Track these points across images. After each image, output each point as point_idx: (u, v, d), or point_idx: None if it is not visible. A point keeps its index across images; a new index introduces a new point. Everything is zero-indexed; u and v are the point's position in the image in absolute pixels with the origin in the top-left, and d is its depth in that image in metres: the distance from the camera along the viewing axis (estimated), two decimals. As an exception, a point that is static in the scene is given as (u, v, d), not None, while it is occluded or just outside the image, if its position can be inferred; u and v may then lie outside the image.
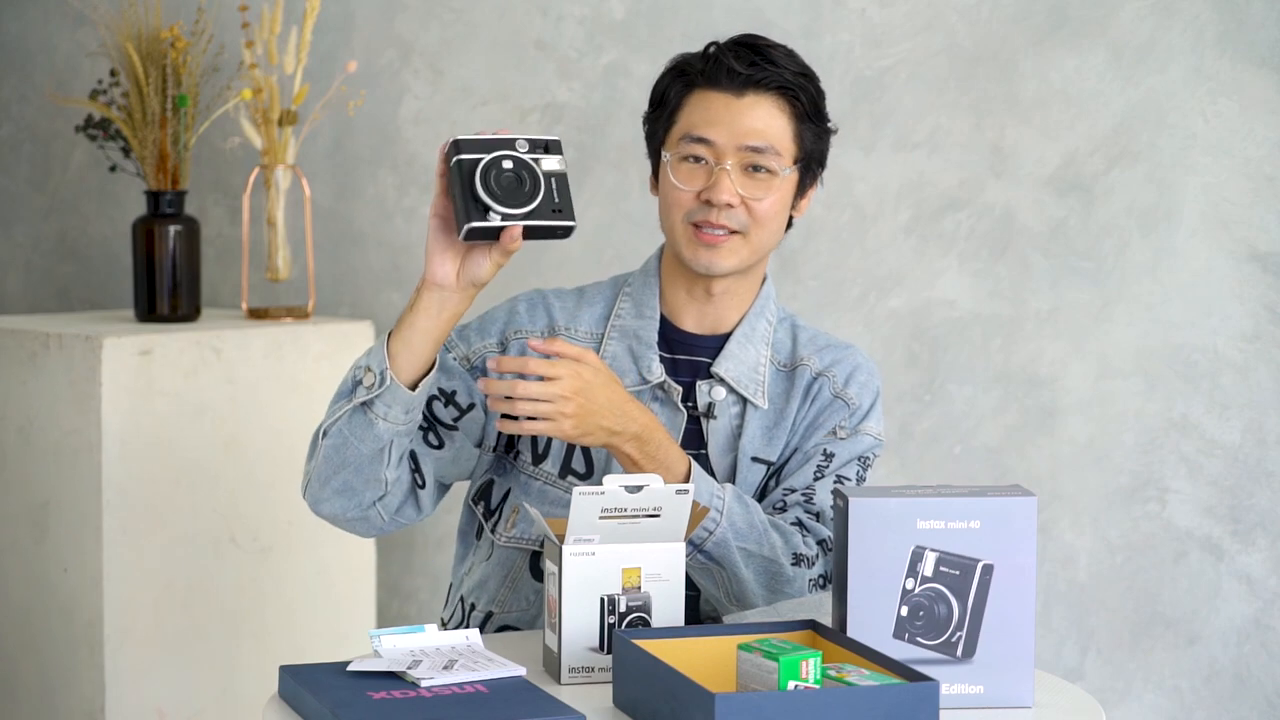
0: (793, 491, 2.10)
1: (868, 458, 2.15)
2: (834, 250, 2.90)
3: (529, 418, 1.94)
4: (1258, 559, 2.65)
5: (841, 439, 2.13)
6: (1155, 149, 2.69)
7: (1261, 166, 2.62)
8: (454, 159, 1.89)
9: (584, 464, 2.11)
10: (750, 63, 2.07)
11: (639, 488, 1.82)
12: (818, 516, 2.08)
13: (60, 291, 3.69)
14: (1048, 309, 2.77)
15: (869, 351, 2.87)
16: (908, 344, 2.86)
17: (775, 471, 2.14)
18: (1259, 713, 2.65)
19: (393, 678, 1.77)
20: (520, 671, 1.79)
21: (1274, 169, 2.62)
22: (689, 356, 2.15)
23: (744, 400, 2.13)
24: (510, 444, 2.14)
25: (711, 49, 2.11)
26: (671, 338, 2.15)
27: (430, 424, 2.09)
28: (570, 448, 2.11)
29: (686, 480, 2.00)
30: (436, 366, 2.01)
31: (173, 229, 3.08)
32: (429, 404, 2.09)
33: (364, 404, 1.97)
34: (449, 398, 2.09)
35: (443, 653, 1.83)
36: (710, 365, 2.14)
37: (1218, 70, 2.64)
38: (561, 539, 1.83)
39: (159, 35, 3.08)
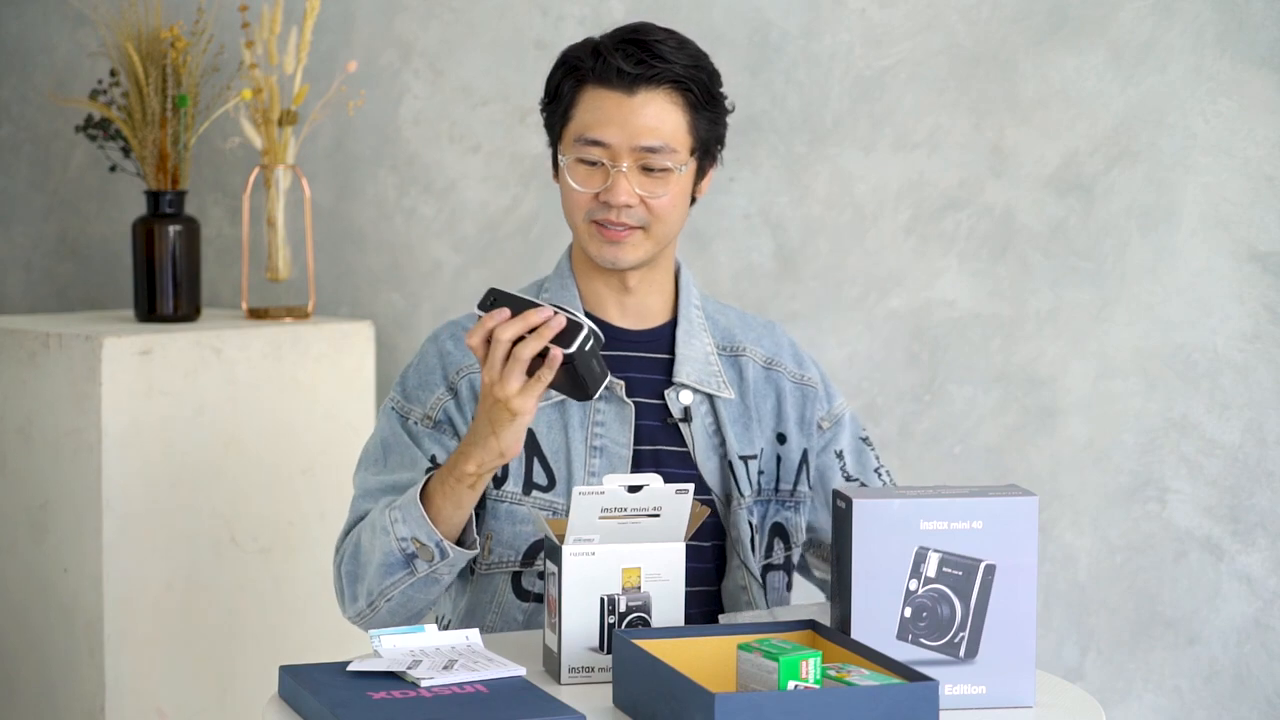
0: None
1: (863, 433, 2.26)
2: (834, 250, 2.90)
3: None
4: (1258, 559, 2.65)
5: (825, 428, 2.21)
6: (1155, 149, 2.69)
7: (1261, 166, 2.62)
8: (583, 341, 1.86)
9: (545, 477, 2.12)
10: (638, 60, 2.05)
11: (639, 488, 1.82)
12: None
13: (60, 291, 3.69)
14: (1048, 309, 2.77)
15: (868, 352, 2.87)
16: (908, 344, 2.86)
17: (768, 466, 2.18)
18: (1259, 713, 2.65)
19: (393, 678, 1.77)
20: (520, 671, 1.79)
21: (1274, 169, 2.62)
22: (628, 353, 2.16)
23: (710, 397, 2.15)
24: None
25: (599, 44, 2.09)
26: (606, 334, 2.15)
27: None
28: (529, 464, 2.12)
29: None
30: (413, 442, 2.07)
31: (173, 229, 3.08)
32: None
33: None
34: (436, 464, 2.09)
35: (443, 653, 1.83)
36: (651, 357, 2.15)
37: (1218, 70, 2.64)
38: (561, 539, 1.84)
39: (159, 35, 3.07)
